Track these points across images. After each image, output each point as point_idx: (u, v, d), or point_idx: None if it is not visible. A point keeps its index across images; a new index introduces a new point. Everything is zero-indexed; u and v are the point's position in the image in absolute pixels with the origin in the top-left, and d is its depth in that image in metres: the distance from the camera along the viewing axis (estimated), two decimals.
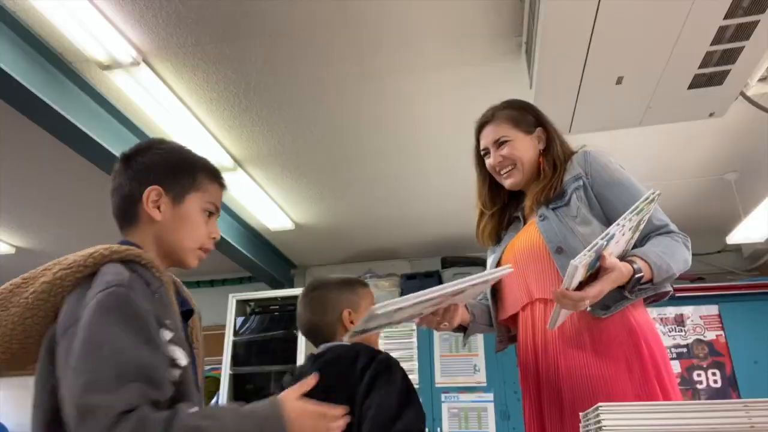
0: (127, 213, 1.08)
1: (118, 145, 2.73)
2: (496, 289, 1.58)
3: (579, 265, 1.15)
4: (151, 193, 1.06)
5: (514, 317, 1.52)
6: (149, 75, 2.42)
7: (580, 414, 1.02)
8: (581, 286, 1.23)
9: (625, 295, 1.31)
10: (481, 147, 1.61)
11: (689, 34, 1.77)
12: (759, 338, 3.60)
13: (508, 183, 1.56)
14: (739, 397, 3.50)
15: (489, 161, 1.58)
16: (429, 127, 2.95)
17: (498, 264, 1.56)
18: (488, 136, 1.58)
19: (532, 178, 1.54)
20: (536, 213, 1.49)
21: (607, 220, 1.41)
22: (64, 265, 0.96)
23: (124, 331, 0.86)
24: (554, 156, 1.53)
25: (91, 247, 0.98)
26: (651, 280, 1.29)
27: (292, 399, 0.96)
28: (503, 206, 1.64)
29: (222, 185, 1.20)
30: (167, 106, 2.62)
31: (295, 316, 3.92)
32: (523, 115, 1.58)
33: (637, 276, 1.25)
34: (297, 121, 2.85)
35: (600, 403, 0.93)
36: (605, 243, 1.20)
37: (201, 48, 2.33)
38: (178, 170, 1.12)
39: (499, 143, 1.55)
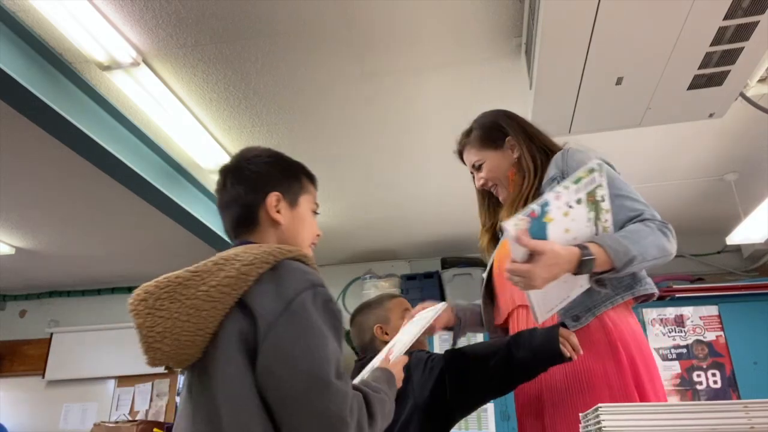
0: (248, 220, 1.16)
1: (117, 145, 2.73)
2: (493, 295, 1.62)
3: (510, 228, 1.17)
4: (272, 199, 1.15)
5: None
6: (149, 75, 2.42)
7: (580, 415, 1.02)
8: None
9: (589, 306, 1.33)
10: (469, 171, 1.69)
11: (689, 35, 1.77)
12: (759, 339, 3.60)
13: (501, 199, 1.62)
14: (738, 397, 3.50)
15: (476, 184, 1.66)
16: (429, 128, 2.95)
17: (489, 273, 1.62)
18: (468, 163, 1.67)
19: (519, 183, 1.56)
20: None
21: None
22: (246, 261, 1.01)
23: (330, 330, 0.97)
24: (523, 165, 1.54)
25: (262, 245, 1.07)
26: (614, 267, 1.23)
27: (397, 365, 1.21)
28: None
29: (316, 187, 1.30)
30: (167, 107, 2.62)
31: None
32: (488, 131, 1.61)
33: (585, 258, 1.20)
34: (296, 121, 2.85)
35: (600, 404, 0.93)
36: (539, 208, 1.21)
37: (201, 48, 2.33)
38: (289, 175, 1.22)
39: (477, 167, 1.62)
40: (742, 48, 1.83)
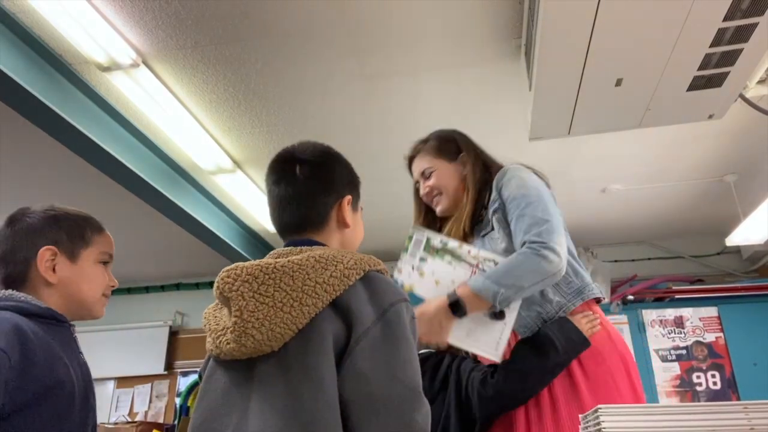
0: (320, 218, 1.14)
1: (117, 146, 2.73)
2: None
3: None
4: (346, 202, 1.18)
5: None
6: (148, 76, 2.42)
7: (580, 416, 1.03)
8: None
9: (545, 319, 1.41)
10: (414, 180, 1.75)
11: (688, 36, 1.77)
12: (758, 340, 3.60)
13: (438, 210, 1.67)
14: (738, 398, 3.50)
15: (421, 192, 1.71)
16: (428, 129, 2.94)
17: None
18: (416, 170, 1.72)
19: (466, 199, 1.61)
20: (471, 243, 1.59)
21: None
22: (347, 264, 1.01)
23: (415, 343, 1.01)
24: (472, 181, 1.60)
25: (350, 252, 1.07)
26: (490, 304, 1.34)
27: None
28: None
29: None
30: (166, 108, 2.62)
31: None
32: (445, 144, 1.69)
33: (451, 302, 1.35)
34: (296, 122, 2.86)
35: (599, 405, 0.93)
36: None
37: (200, 49, 2.33)
38: (356, 180, 1.26)
39: (426, 175, 1.67)
40: (742, 49, 1.83)
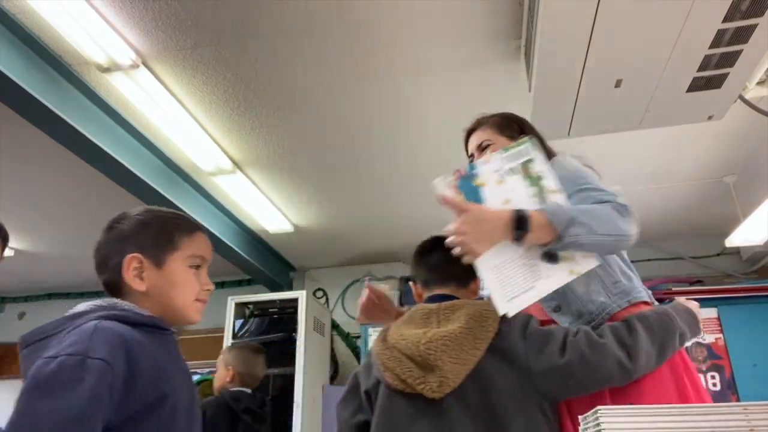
0: (463, 279, 1.47)
1: (116, 147, 2.73)
2: None
3: (437, 184, 1.25)
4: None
5: None
6: (148, 77, 2.42)
7: (579, 417, 1.02)
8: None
9: (588, 321, 1.32)
10: (468, 154, 1.68)
11: (688, 38, 1.78)
12: (758, 341, 3.60)
13: None
14: (738, 400, 3.50)
15: None
16: (428, 130, 2.96)
17: None
18: (473, 142, 1.65)
19: None
20: None
21: None
22: (495, 318, 1.29)
23: None
24: None
25: (478, 301, 1.34)
26: (556, 234, 1.19)
27: None
28: None
29: None
30: (166, 109, 2.62)
31: (294, 318, 3.94)
32: (508, 122, 1.63)
33: (518, 215, 1.19)
34: (296, 123, 2.86)
35: (599, 406, 0.93)
36: (466, 168, 1.27)
37: (200, 50, 2.33)
38: None
39: (483, 147, 1.59)
40: (741, 50, 1.83)
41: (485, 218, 1.22)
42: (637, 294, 1.37)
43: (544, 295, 1.23)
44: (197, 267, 1.19)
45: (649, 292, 1.43)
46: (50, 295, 5.21)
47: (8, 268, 4.56)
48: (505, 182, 1.26)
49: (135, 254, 1.10)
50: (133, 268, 1.10)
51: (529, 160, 1.28)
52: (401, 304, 3.52)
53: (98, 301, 1.06)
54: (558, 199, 1.27)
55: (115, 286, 1.12)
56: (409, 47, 2.36)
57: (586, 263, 1.23)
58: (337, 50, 2.36)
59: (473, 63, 2.46)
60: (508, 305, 1.21)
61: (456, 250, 1.24)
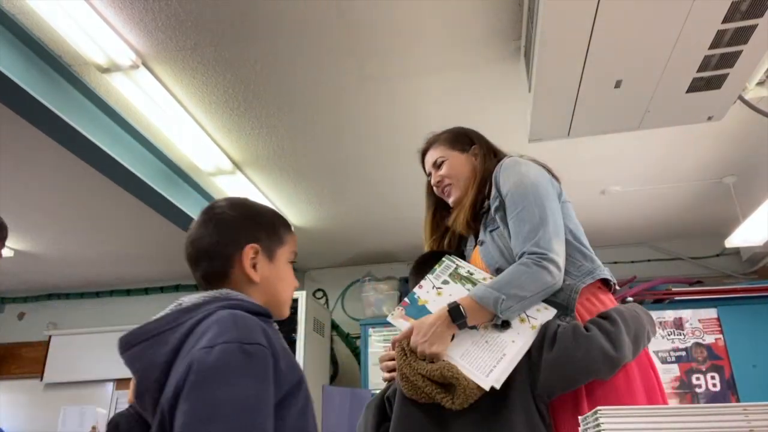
0: None
1: (116, 148, 2.73)
2: None
3: (389, 317, 1.48)
4: None
5: None
6: (148, 78, 2.42)
7: (579, 417, 1.03)
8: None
9: (564, 306, 1.40)
10: (426, 172, 1.76)
11: (687, 38, 1.78)
12: (758, 342, 3.60)
13: (451, 201, 1.68)
14: (738, 400, 3.50)
15: (432, 182, 1.71)
16: (428, 130, 2.93)
17: None
18: (429, 161, 1.74)
19: (475, 190, 1.61)
20: (479, 238, 1.61)
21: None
22: None
23: None
24: (480, 169, 1.62)
25: None
26: (492, 313, 1.34)
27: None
28: (445, 231, 1.75)
29: None
30: (166, 109, 2.62)
31: (294, 319, 3.93)
32: (458, 136, 1.72)
33: (450, 308, 1.35)
34: (296, 123, 2.86)
35: (599, 407, 0.93)
36: (408, 298, 1.50)
37: (200, 51, 2.33)
38: None
39: (438, 164, 1.69)
40: (741, 51, 1.83)
41: (428, 323, 1.36)
42: (600, 272, 1.46)
43: (518, 358, 1.32)
44: (292, 263, 1.23)
45: (609, 271, 1.50)
46: (50, 295, 5.21)
47: (8, 268, 4.56)
48: (443, 292, 1.46)
49: (253, 245, 1.12)
50: (250, 258, 1.12)
51: (456, 269, 1.51)
52: None
53: (210, 293, 1.05)
54: (485, 276, 1.47)
55: (219, 277, 1.11)
56: (409, 48, 2.36)
57: (543, 315, 1.38)
58: (337, 51, 2.36)
59: (473, 63, 2.46)
60: (488, 380, 1.29)
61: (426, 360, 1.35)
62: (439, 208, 1.76)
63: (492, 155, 1.66)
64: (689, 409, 0.91)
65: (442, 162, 1.67)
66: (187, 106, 2.67)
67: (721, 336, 3.69)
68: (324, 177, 3.41)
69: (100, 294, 5.16)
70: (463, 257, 1.65)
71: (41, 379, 4.91)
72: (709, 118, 2.17)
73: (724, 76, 1.95)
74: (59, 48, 2.28)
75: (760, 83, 2.31)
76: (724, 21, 1.71)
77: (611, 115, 2.15)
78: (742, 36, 1.78)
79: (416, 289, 1.50)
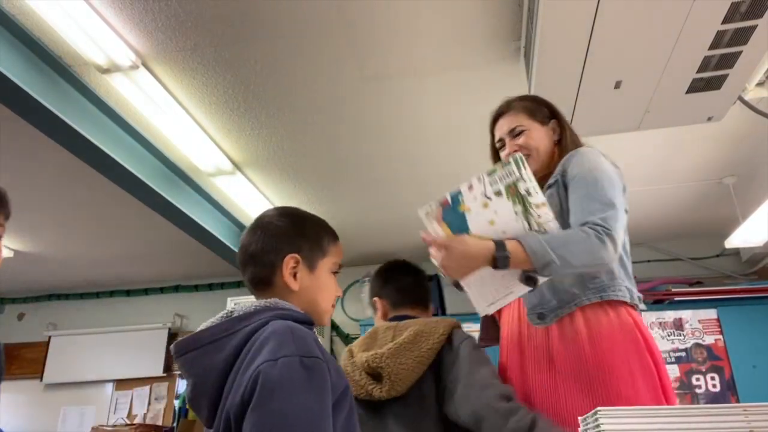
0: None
1: (116, 148, 2.73)
2: None
3: (421, 215, 1.30)
4: None
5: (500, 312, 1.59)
6: (148, 78, 2.42)
7: (579, 418, 1.02)
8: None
9: (555, 307, 1.37)
10: (497, 139, 1.61)
11: (687, 39, 1.78)
12: (758, 342, 3.60)
13: None
14: (737, 401, 3.50)
15: (504, 152, 1.57)
16: (428, 131, 2.96)
17: None
18: (503, 127, 1.58)
19: (545, 169, 1.54)
20: None
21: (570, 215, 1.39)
22: (439, 333, 1.50)
23: None
24: (564, 148, 1.53)
25: (441, 319, 1.56)
26: (535, 269, 1.26)
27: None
28: None
29: None
30: (166, 110, 2.62)
31: None
32: (538, 106, 1.59)
33: (498, 255, 1.24)
34: (296, 124, 2.86)
35: (599, 407, 0.93)
36: (450, 197, 1.31)
37: (200, 51, 2.33)
38: None
39: (515, 133, 1.55)
40: (741, 52, 1.84)
41: (466, 255, 1.27)
42: (616, 292, 1.39)
43: (521, 293, 1.31)
44: (335, 273, 1.26)
45: (640, 295, 1.45)
46: (50, 296, 5.21)
47: (8, 269, 4.55)
48: (490, 205, 1.29)
49: (293, 255, 1.16)
50: (290, 268, 1.15)
51: (516, 181, 1.29)
52: None
53: (261, 302, 1.10)
54: (544, 213, 1.29)
55: (263, 282, 1.17)
56: (409, 48, 2.36)
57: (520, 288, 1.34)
58: (337, 51, 2.36)
59: (473, 64, 2.46)
60: (487, 309, 1.32)
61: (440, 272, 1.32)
62: None
63: (573, 133, 1.58)
64: (689, 410, 0.91)
65: (522, 131, 1.54)
66: (187, 107, 2.67)
67: (720, 336, 3.69)
68: (323, 177, 3.41)
69: (100, 294, 5.16)
70: None
71: (41, 380, 4.92)
72: (709, 119, 2.17)
73: (723, 77, 1.95)
74: (59, 48, 2.28)
75: (760, 84, 2.31)
76: (724, 22, 1.72)
77: (611, 115, 2.15)
78: (742, 37, 1.78)
79: (464, 189, 1.30)
